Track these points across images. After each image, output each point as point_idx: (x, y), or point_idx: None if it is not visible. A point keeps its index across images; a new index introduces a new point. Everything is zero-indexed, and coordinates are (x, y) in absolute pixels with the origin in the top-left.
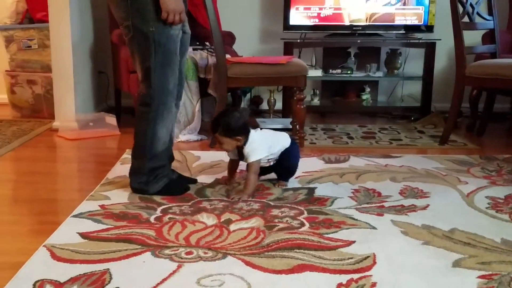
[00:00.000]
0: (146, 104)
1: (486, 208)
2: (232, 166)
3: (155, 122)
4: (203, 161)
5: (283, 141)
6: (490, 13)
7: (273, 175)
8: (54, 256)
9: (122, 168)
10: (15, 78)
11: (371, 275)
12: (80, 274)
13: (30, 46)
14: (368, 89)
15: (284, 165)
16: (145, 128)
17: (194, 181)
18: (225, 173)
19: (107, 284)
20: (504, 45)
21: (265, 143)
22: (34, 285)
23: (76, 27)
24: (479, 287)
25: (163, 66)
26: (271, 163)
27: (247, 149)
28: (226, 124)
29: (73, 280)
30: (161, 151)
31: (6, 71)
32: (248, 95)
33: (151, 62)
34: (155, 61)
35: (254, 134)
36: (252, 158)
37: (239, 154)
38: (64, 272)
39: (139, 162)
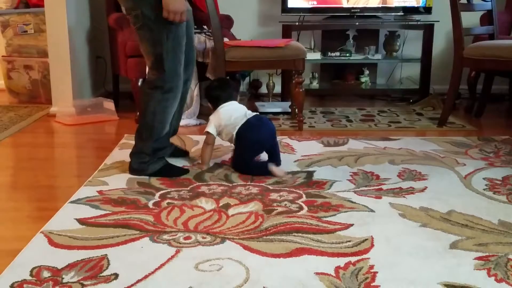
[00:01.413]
0: (157, 87)
1: (484, 189)
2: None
3: (166, 104)
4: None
5: (239, 119)
6: None
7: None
8: (51, 242)
9: (120, 154)
10: (11, 64)
11: (369, 258)
12: (77, 260)
13: (26, 31)
14: (367, 72)
15: (239, 150)
16: (154, 109)
17: (186, 153)
18: (225, 158)
19: (104, 270)
20: (502, 26)
21: (219, 118)
22: (31, 271)
23: (72, 12)
24: (476, 268)
25: (174, 50)
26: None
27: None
28: (210, 94)
29: (70, 266)
30: (166, 133)
31: (2, 56)
32: (247, 79)
33: (163, 48)
34: (167, 46)
35: (222, 107)
36: (206, 128)
37: None
38: (61, 258)
39: (144, 142)
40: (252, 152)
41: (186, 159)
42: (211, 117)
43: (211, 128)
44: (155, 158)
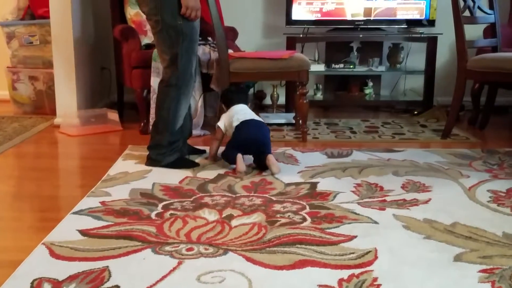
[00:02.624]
0: (171, 85)
1: (488, 201)
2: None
3: (178, 100)
4: (206, 156)
5: (240, 117)
6: (491, 7)
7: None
8: (53, 253)
9: (123, 164)
10: (16, 75)
11: (372, 270)
12: (78, 272)
13: (32, 42)
14: (370, 84)
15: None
16: (169, 105)
17: (203, 151)
18: (228, 169)
19: (106, 282)
20: (505, 39)
21: (229, 116)
22: (32, 283)
23: (78, 23)
24: (480, 281)
25: (188, 52)
26: None
27: None
28: (222, 91)
29: (71, 278)
30: (179, 127)
31: (7, 67)
32: (251, 90)
33: (178, 49)
34: (181, 48)
35: (234, 107)
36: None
37: None
38: (62, 270)
39: (161, 136)
40: (237, 147)
41: (202, 156)
42: (223, 115)
43: (221, 123)
44: (170, 150)
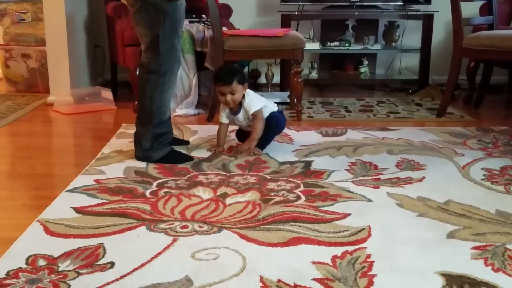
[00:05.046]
0: (152, 71)
1: (482, 179)
2: (223, 131)
3: (162, 88)
4: (200, 135)
5: (272, 105)
6: None
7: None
8: (47, 231)
9: (118, 143)
10: (9, 52)
11: (366, 247)
12: (73, 249)
13: (24, 19)
14: (366, 62)
15: (269, 130)
16: (151, 94)
17: (186, 142)
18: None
19: (101, 259)
20: (501, 16)
21: (258, 96)
22: (27, 260)
23: (70, 0)
24: (473, 258)
25: (171, 34)
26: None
27: (247, 101)
28: (241, 72)
29: (66, 254)
30: (167, 118)
31: (0, 45)
32: (246, 69)
33: (159, 30)
34: (163, 29)
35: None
36: (254, 108)
37: (233, 112)
38: (57, 247)
39: (145, 129)
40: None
41: (185, 148)
42: (252, 96)
43: (261, 103)
44: (159, 144)
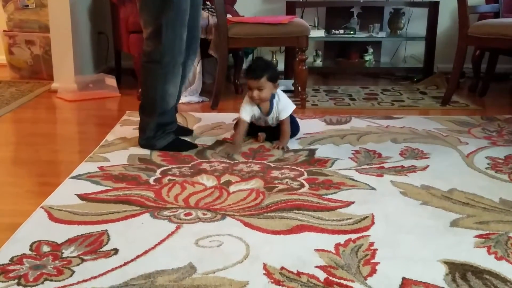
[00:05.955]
0: (154, 61)
1: (486, 168)
2: (243, 129)
3: (165, 78)
4: (204, 122)
5: (292, 104)
6: None
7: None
8: (51, 217)
9: (122, 130)
10: (13, 39)
11: (369, 235)
12: (77, 235)
13: (28, 6)
14: (371, 50)
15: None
16: (155, 84)
17: (190, 132)
18: (225, 135)
19: (105, 245)
20: (507, 4)
21: (289, 100)
22: (31, 246)
23: None
24: (476, 246)
25: (174, 23)
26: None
27: (280, 106)
28: (274, 69)
29: (70, 241)
30: (171, 107)
31: (4, 31)
32: (250, 56)
33: (162, 19)
34: (166, 18)
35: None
36: (285, 114)
37: (264, 112)
38: (61, 233)
39: (148, 118)
40: None
41: (189, 137)
42: (286, 101)
43: (291, 109)
44: (162, 133)
